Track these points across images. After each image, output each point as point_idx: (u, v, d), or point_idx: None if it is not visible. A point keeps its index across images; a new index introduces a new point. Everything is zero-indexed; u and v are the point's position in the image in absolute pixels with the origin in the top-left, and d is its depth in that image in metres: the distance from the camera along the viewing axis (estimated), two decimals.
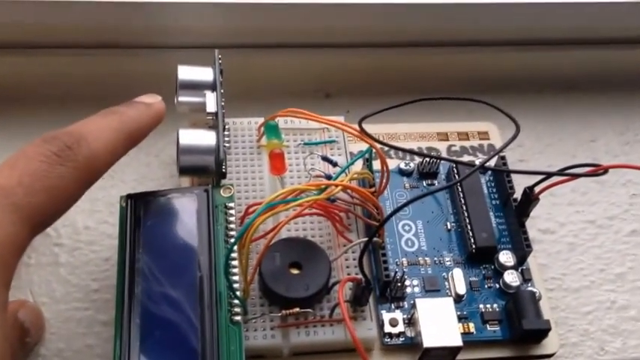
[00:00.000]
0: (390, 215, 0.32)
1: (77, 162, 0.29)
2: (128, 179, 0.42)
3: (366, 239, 0.34)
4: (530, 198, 0.38)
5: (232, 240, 0.34)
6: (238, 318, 0.33)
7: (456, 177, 0.41)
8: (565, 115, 0.49)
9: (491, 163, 0.42)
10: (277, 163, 0.37)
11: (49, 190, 0.28)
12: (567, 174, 0.35)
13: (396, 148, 0.38)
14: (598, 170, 0.34)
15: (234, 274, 0.34)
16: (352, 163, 0.37)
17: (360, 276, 0.34)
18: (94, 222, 0.40)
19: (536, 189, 0.37)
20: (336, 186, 0.35)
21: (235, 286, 0.34)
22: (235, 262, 0.34)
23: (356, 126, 0.38)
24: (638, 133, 0.49)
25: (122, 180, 0.42)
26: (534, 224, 0.43)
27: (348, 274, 0.37)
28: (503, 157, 0.41)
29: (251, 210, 0.37)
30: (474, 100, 0.36)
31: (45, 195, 0.28)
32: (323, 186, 0.34)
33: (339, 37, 0.45)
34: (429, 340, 0.35)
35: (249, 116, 0.41)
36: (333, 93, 0.48)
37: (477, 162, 0.42)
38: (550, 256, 0.43)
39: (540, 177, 0.37)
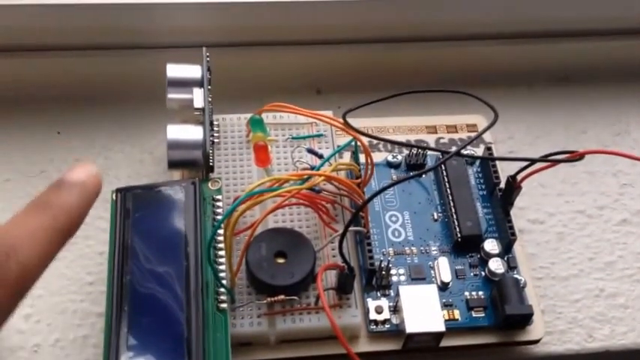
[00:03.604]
0: (370, 199, 0.34)
1: (7, 279, 0.26)
2: (122, 175, 0.43)
3: (351, 229, 0.35)
4: (512, 186, 0.39)
5: (217, 225, 0.35)
6: (224, 305, 0.34)
7: (443, 167, 0.41)
8: (555, 107, 0.49)
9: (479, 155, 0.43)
10: (261, 155, 0.38)
11: None
12: (544, 160, 0.35)
13: (379, 139, 0.39)
14: (574, 156, 0.35)
15: (221, 264, 0.35)
16: (334, 154, 0.38)
17: (340, 262, 0.35)
18: (89, 217, 0.40)
19: (519, 177, 0.38)
20: (319, 176, 0.35)
21: (222, 275, 0.35)
22: (222, 253, 0.35)
23: (341, 119, 0.39)
24: (629, 123, 0.49)
25: (116, 177, 0.43)
26: (523, 215, 0.44)
27: None
28: (489, 148, 0.42)
29: None
30: (452, 92, 0.37)
31: None
32: (305, 176, 0.35)
33: (330, 33, 0.46)
34: (412, 326, 0.35)
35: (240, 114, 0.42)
36: (324, 89, 0.48)
37: (464, 152, 0.42)
38: (539, 246, 0.43)
39: (522, 166, 0.38)
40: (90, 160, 0.43)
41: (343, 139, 0.41)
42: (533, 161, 0.36)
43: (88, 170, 0.30)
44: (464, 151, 0.43)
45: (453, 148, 0.44)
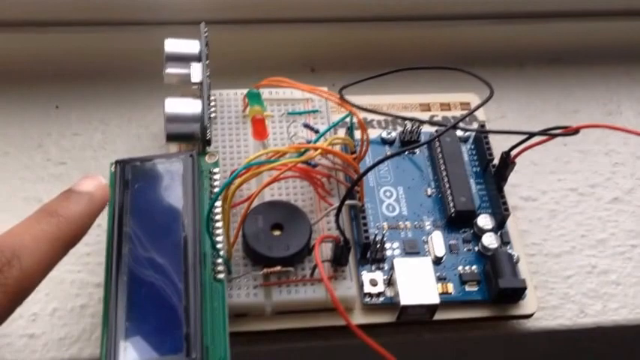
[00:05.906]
0: (367, 171, 0.34)
1: (7, 285, 0.28)
2: (119, 150, 0.43)
3: (346, 202, 0.35)
4: (507, 162, 0.39)
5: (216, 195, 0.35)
6: (222, 276, 0.35)
7: (437, 144, 0.42)
8: (547, 87, 0.50)
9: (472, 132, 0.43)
10: (259, 128, 0.38)
11: None
12: (540, 133, 0.36)
13: (375, 112, 0.39)
14: (569, 131, 0.35)
15: (218, 235, 0.35)
16: (331, 128, 0.38)
17: (336, 234, 0.35)
18: None
19: (512, 153, 0.39)
20: (316, 149, 0.36)
21: (219, 246, 0.35)
22: (219, 224, 0.36)
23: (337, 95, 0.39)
24: (621, 104, 0.49)
25: (114, 151, 0.43)
26: (516, 192, 0.44)
27: None
28: (483, 126, 0.43)
29: None
30: (447, 68, 0.38)
31: None
32: (303, 149, 0.36)
33: (325, 11, 0.47)
34: (407, 298, 0.36)
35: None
36: (319, 67, 0.49)
37: (457, 132, 0.43)
38: (531, 223, 0.43)
39: (516, 142, 0.38)
40: (87, 134, 0.44)
41: (338, 115, 0.42)
42: (528, 134, 0.36)
43: (97, 182, 0.33)
44: (458, 132, 0.43)
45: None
